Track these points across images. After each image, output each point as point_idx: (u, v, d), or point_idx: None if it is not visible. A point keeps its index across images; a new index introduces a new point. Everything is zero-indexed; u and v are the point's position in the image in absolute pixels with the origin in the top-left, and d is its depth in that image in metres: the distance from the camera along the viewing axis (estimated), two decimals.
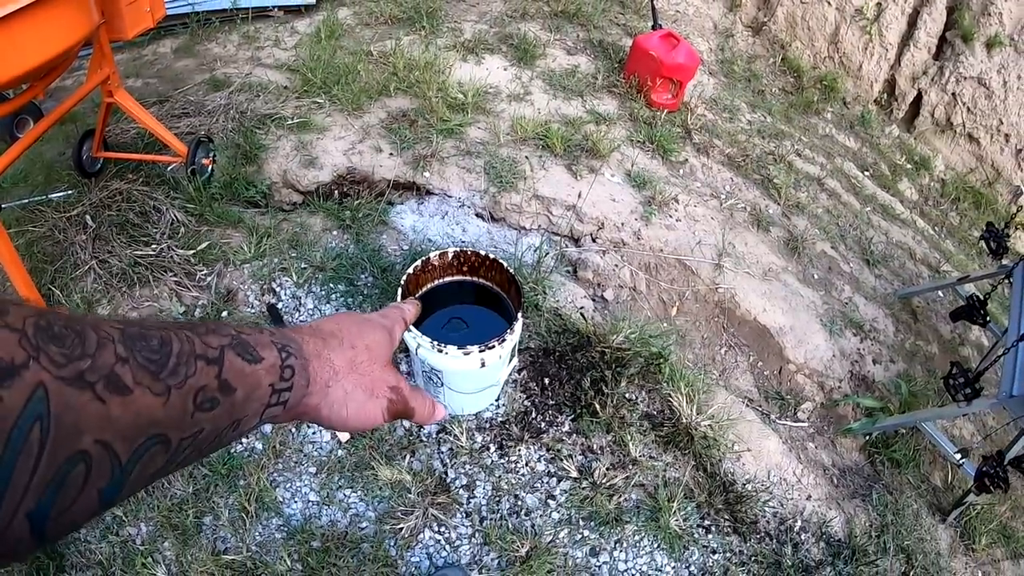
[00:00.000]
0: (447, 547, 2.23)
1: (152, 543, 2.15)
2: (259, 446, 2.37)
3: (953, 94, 5.05)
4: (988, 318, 2.98)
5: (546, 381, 2.64)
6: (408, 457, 2.38)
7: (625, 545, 2.30)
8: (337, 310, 2.75)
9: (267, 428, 2.40)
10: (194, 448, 0.45)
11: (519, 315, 2.16)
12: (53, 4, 2.00)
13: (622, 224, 3.24)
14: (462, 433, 2.44)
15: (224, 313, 2.67)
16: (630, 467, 2.47)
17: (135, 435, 0.39)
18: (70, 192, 2.98)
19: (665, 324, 3.02)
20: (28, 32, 1.97)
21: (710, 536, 2.40)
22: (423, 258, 2.27)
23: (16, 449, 0.33)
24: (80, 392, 0.36)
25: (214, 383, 0.45)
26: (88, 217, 2.86)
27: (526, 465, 2.43)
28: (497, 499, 2.34)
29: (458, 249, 2.32)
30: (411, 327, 2.07)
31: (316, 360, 0.55)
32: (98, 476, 0.37)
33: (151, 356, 0.41)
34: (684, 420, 2.57)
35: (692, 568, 2.31)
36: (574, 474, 2.41)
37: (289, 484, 2.31)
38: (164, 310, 2.66)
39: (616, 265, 3.10)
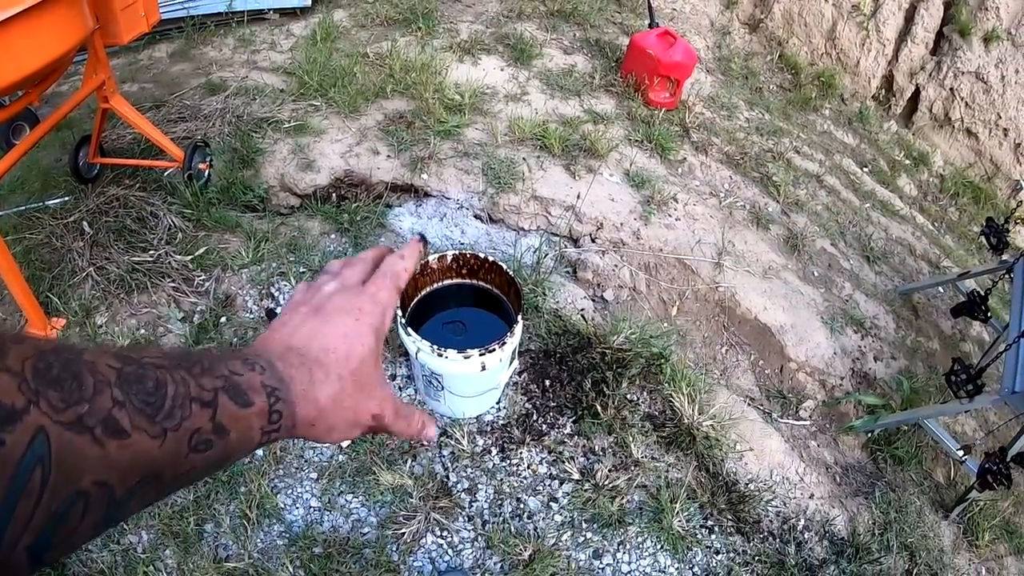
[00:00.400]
0: (450, 551, 2.22)
1: (154, 551, 2.14)
2: (260, 452, 2.36)
3: (951, 89, 5.04)
4: (989, 314, 2.98)
5: (547, 383, 2.63)
6: (409, 461, 2.37)
7: (628, 547, 2.30)
8: None
9: None
10: (186, 480, 0.46)
11: (519, 317, 2.16)
12: (47, 10, 1.98)
13: (621, 224, 3.23)
14: (463, 436, 2.43)
15: (223, 319, 2.66)
16: (632, 468, 2.46)
17: (131, 474, 0.41)
18: (67, 198, 2.97)
19: (665, 324, 3.01)
20: (22, 38, 1.96)
21: (713, 536, 2.40)
22: (422, 261, 2.26)
23: (18, 490, 0.34)
24: (79, 436, 0.37)
25: (208, 426, 0.45)
26: (85, 223, 2.85)
27: (528, 468, 2.43)
28: (499, 502, 2.34)
29: (457, 252, 2.32)
30: (411, 331, 2.06)
31: (302, 402, 0.54)
32: (95, 511, 0.39)
33: (147, 399, 0.42)
34: (686, 420, 2.56)
35: (696, 569, 2.31)
36: (576, 476, 2.40)
37: (290, 490, 2.30)
38: (162, 316, 2.65)
39: (616, 265, 3.09)
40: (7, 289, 2.48)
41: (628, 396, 2.64)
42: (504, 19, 4.50)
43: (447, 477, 2.37)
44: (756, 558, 2.37)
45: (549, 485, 2.40)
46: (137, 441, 0.40)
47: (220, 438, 0.46)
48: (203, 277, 2.78)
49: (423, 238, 0.71)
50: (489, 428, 2.51)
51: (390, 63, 3.83)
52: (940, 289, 3.68)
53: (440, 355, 2.06)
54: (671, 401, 2.63)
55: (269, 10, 4.29)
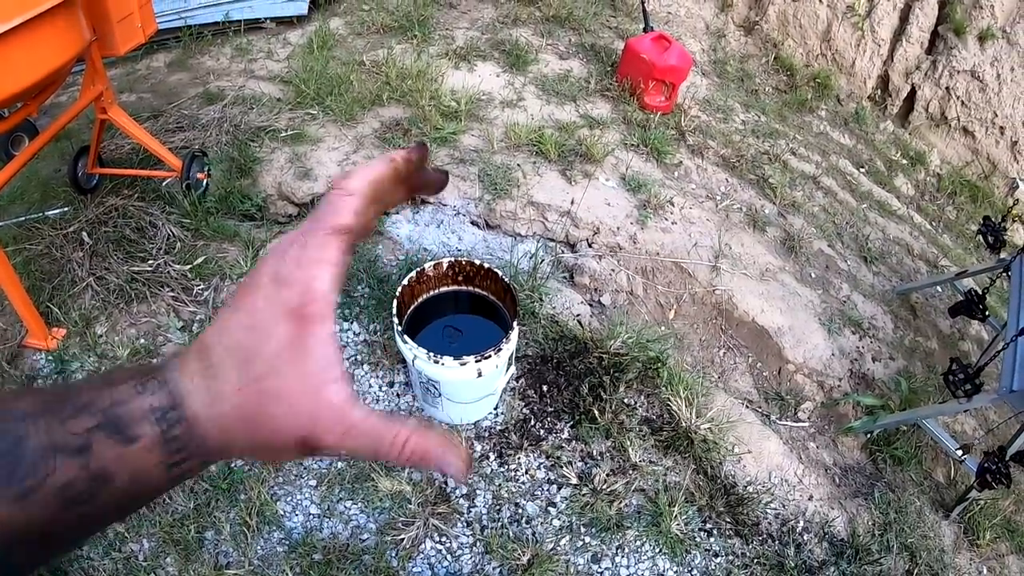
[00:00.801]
0: (448, 557, 2.23)
1: (155, 559, 2.15)
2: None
3: (947, 88, 5.05)
4: (987, 312, 2.98)
5: (544, 388, 2.64)
6: (408, 468, 2.38)
7: (627, 551, 2.30)
8: (334, 322, 2.74)
9: None
10: (92, 527, 0.42)
11: (515, 324, 2.17)
12: (44, 23, 2.00)
13: (617, 228, 3.24)
14: (461, 442, 2.44)
15: None
16: (630, 472, 2.47)
17: None
18: (66, 209, 2.98)
19: (663, 328, 3.02)
20: (20, 51, 1.98)
21: (712, 539, 2.40)
22: (418, 269, 2.28)
23: None
24: None
25: (82, 475, 0.39)
26: (85, 234, 2.87)
27: (526, 473, 2.43)
28: (498, 507, 2.34)
29: (453, 259, 2.33)
30: (408, 339, 2.08)
31: (203, 423, 0.42)
32: None
33: (0, 462, 0.37)
34: (683, 424, 2.57)
35: (695, 572, 2.31)
36: (574, 481, 2.41)
37: (290, 497, 2.31)
38: (162, 325, 2.67)
39: (612, 270, 3.10)
40: (7, 299, 2.50)
41: (625, 400, 2.65)
42: (499, 25, 4.52)
43: (445, 483, 2.38)
44: (755, 560, 2.37)
45: (547, 490, 2.41)
46: None
47: (103, 486, 0.40)
48: (202, 286, 2.79)
49: (420, 144, 0.51)
50: (487, 434, 2.52)
51: (386, 71, 3.85)
52: (938, 288, 3.68)
53: (437, 362, 2.07)
54: (669, 405, 2.64)
55: (266, 19, 4.31)
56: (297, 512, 2.29)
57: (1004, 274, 2.95)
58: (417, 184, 0.51)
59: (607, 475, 2.43)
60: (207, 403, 0.42)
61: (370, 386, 2.59)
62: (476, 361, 2.07)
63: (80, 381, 0.44)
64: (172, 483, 0.43)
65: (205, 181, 3.08)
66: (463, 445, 0.40)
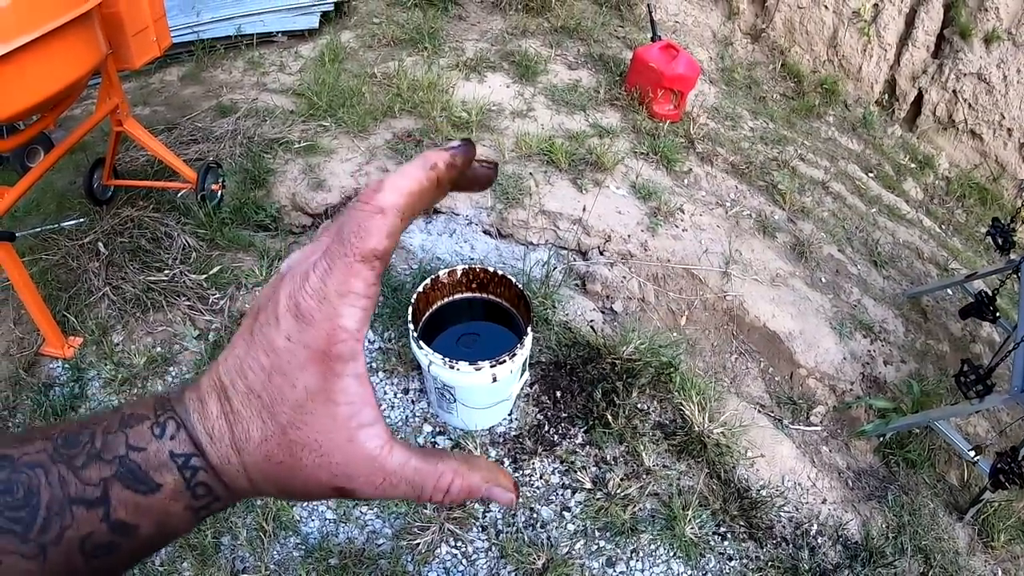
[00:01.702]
0: (464, 561, 2.24)
1: (171, 564, 2.17)
2: None
3: (954, 91, 5.06)
4: (998, 314, 2.98)
5: (558, 394, 2.66)
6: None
7: (641, 554, 2.31)
8: None
9: None
10: (119, 571, 0.39)
11: (529, 330, 2.19)
12: (61, 36, 2.04)
13: (629, 236, 3.26)
14: (476, 448, 2.45)
15: None
16: (644, 477, 2.47)
17: None
18: (82, 220, 3.03)
19: (674, 334, 3.03)
20: (37, 65, 2.02)
21: (726, 543, 2.41)
22: (432, 276, 2.30)
23: None
24: None
25: (102, 528, 0.37)
26: (101, 244, 2.91)
27: (540, 478, 2.45)
28: (513, 512, 2.36)
29: (467, 267, 2.35)
30: (423, 344, 2.10)
31: (228, 469, 0.40)
32: None
33: (15, 515, 0.35)
34: (696, 428, 2.58)
35: (709, 575, 2.32)
36: (588, 485, 2.42)
37: (306, 503, 2.33)
38: (178, 334, 2.70)
39: (624, 277, 3.12)
40: (25, 308, 2.53)
41: (638, 405, 2.66)
42: (508, 36, 4.56)
43: None
44: (769, 564, 2.38)
45: (562, 494, 2.42)
46: (11, 567, 0.35)
47: (125, 537, 0.38)
48: (217, 295, 2.82)
49: (466, 143, 0.42)
50: (501, 439, 2.54)
51: (397, 82, 3.89)
52: (948, 291, 3.68)
53: (452, 367, 2.09)
54: (681, 410, 2.65)
55: (277, 33, 4.37)
56: (313, 517, 2.31)
57: (1014, 275, 2.96)
58: (462, 184, 0.43)
59: (621, 480, 2.44)
60: (231, 452, 0.40)
61: (385, 393, 2.61)
62: (491, 366, 2.09)
63: (93, 417, 0.40)
64: (200, 521, 0.41)
65: (220, 192, 3.12)
66: (506, 472, 0.37)
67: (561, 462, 2.49)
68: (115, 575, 0.39)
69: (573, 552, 2.28)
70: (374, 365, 2.68)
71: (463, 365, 2.08)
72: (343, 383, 0.39)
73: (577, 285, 3.10)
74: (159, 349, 2.66)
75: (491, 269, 2.34)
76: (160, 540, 0.40)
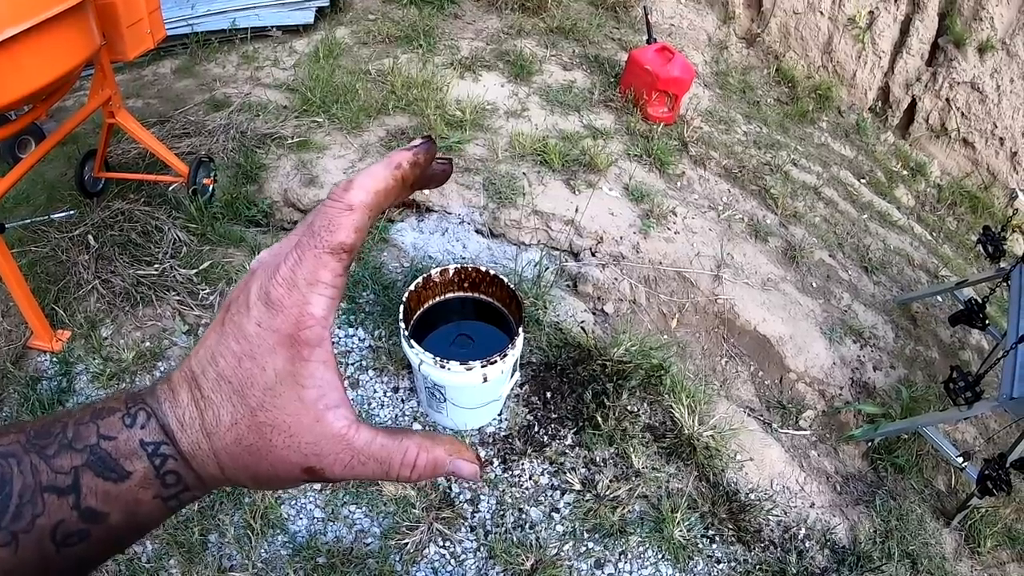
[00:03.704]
0: (452, 561, 2.23)
1: (158, 561, 2.16)
2: None
3: (947, 99, 5.08)
4: (987, 321, 2.99)
5: (548, 395, 2.65)
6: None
7: (630, 557, 2.31)
8: (339, 327, 2.76)
9: None
10: (88, 565, 0.40)
11: (520, 330, 2.18)
12: (55, 26, 2.02)
13: (621, 238, 3.26)
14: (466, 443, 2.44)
15: None
16: (633, 479, 2.48)
17: None
18: (72, 212, 3.00)
19: (665, 336, 3.03)
20: (30, 54, 2.00)
21: (714, 546, 2.41)
22: (424, 275, 2.30)
23: None
24: None
25: (72, 515, 0.38)
26: (90, 237, 2.89)
27: (530, 479, 2.44)
28: (501, 513, 2.35)
29: (459, 266, 2.35)
30: (414, 343, 2.09)
31: (198, 456, 0.41)
32: None
33: None
34: (686, 431, 2.58)
35: None
36: (578, 487, 2.42)
37: (294, 501, 2.32)
38: (167, 329, 2.68)
39: (616, 279, 3.12)
40: (13, 301, 2.51)
41: (629, 407, 2.66)
42: (504, 36, 4.55)
43: (450, 488, 2.39)
44: (757, 567, 2.38)
45: (551, 496, 2.42)
46: None
47: (96, 524, 0.38)
48: (208, 290, 2.81)
49: (427, 140, 0.44)
50: (491, 440, 2.53)
51: (392, 80, 3.88)
52: (939, 298, 3.70)
53: (442, 367, 2.08)
54: (671, 412, 2.65)
55: (272, 27, 4.34)
56: (301, 516, 2.29)
57: (1004, 283, 2.97)
58: (421, 181, 0.46)
59: (610, 481, 2.44)
60: (201, 438, 0.41)
61: (375, 391, 2.60)
62: (482, 366, 2.09)
63: (66, 411, 0.41)
64: (171, 512, 0.42)
65: (211, 186, 3.11)
66: (468, 446, 0.38)
67: (551, 463, 2.49)
68: (87, 568, 0.39)
69: (562, 553, 2.27)
70: (364, 363, 2.67)
71: (454, 365, 2.07)
72: (310, 367, 0.40)
73: (568, 286, 3.10)
74: (148, 344, 2.65)
75: (483, 269, 2.34)
76: (129, 531, 0.40)
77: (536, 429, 2.57)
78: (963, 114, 5.07)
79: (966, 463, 2.63)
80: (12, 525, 0.36)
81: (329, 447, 0.41)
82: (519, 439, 2.53)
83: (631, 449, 2.52)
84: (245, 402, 0.40)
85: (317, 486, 2.34)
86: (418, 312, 2.38)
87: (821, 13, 5.23)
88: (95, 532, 0.38)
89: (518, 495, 2.40)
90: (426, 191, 3.28)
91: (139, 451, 0.40)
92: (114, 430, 0.39)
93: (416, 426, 2.52)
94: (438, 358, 2.08)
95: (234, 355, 0.40)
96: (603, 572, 2.27)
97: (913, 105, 5.26)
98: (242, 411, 0.40)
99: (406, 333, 2.14)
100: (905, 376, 3.23)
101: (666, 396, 2.69)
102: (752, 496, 2.55)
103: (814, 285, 3.48)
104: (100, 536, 0.39)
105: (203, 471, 0.41)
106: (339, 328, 2.77)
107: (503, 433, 2.55)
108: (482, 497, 2.38)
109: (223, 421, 0.40)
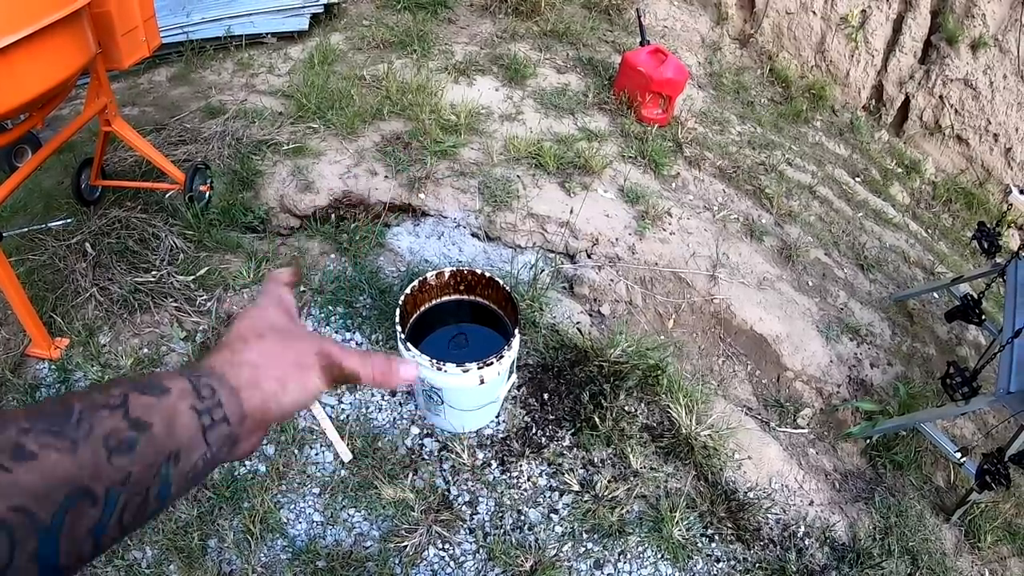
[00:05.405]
0: (451, 563, 2.24)
1: (158, 566, 2.16)
2: (262, 468, 2.38)
3: (940, 97, 5.10)
4: (983, 317, 3.00)
5: (545, 396, 2.66)
6: (410, 475, 2.40)
7: (629, 557, 2.31)
8: (336, 332, 2.77)
9: (270, 450, 2.42)
10: (136, 494, 0.46)
11: (516, 332, 2.19)
12: (50, 35, 2.03)
13: (616, 239, 3.27)
14: (463, 450, 2.45)
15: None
16: (631, 479, 2.48)
17: (50, 494, 0.40)
18: (69, 220, 3.01)
19: (662, 336, 3.04)
20: (26, 63, 2.01)
21: (713, 545, 2.41)
22: (420, 278, 2.30)
23: None
24: None
25: (123, 424, 0.45)
26: (88, 245, 2.89)
27: (528, 480, 2.45)
28: (500, 515, 2.36)
29: (455, 269, 2.35)
30: (411, 346, 2.10)
31: (231, 368, 0.55)
32: (25, 540, 0.39)
33: (52, 420, 0.43)
34: (684, 431, 2.59)
35: None
36: (576, 488, 2.42)
37: (293, 505, 2.32)
38: (165, 336, 2.69)
39: (612, 280, 3.12)
40: (11, 309, 2.52)
41: (626, 408, 2.66)
42: (498, 40, 4.57)
43: (448, 490, 2.39)
44: (757, 565, 2.39)
45: (549, 497, 2.42)
46: (45, 459, 0.41)
47: (141, 433, 0.46)
48: (205, 297, 2.81)
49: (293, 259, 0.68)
50: (489, 441, 2.53)
51: (387, 85, 3.89)
52: (935, 295, 3.71)
53: (439, 369, 2.09)
54: (669, 412, 2.66)
55: (267, 34, 4.35)
56: (300, 520, 2.30)
57: (999, 279, 2.98)
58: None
59: (608, 482, 2.44)
60: (228, 360, 0.56)
61: (373, 395, 2.61)
62: (478, 368, 2.09)
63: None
64: (205, 434, 0.50)
65: (208, 193, 3.11)
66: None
67: (549, 464, 2.49)
68: (132, 490, 0.45)
69: (561, 554, 2.28)
70: None
71: (450, 367, 2.08)
72: (299, 323, 0.67)
73: (565, 288, 3.10)
74: (146, 351, 2.65)
75: (479, 271, 2.34)
76: (168, 443, 0.48)
77: (534, 430, 2.57)
78: (957, 111, 5.09)
79: (964, 458, 2.64)
80: (72, 434, 0.43)
81: (328, 341, 0.63)
82: (517, 441, 2.54)
83: (629, 449, 2.52)
84: (259, 332, 0.60)
85: (317, 489, 2.35)
86: (415, 315, 2.39)
87: (814, 13, 5.25)
88: (142, 440, 0.46)
89: (516, 496, 2.40)
90: (422, 196, 3.29)
91: (177, 376, 0.51)
92: (161, 373, 0.51)
93: (414, 429, 2.53)
94: (434, 360, 2.08)
95: (245, 320, 0.62)
96: (602, 572, 2.28)
97: (907, 103, 5.28)
98: (262, 343, 0.59)
99: (403, 336, 2.15)
100: (902, 373, 3.24)
101: (663, 396, 2.70)
102: (751, 495, 2.55)
103: (810, 284, 3.49)
104: (145, 446, 0.46)
105: (236, 380, 0.54)
106: (336, 332, 2.77)
107: (501, 435, 2.55)
108: (481, 499, 2.39)
109: (249, 348, 0.58)
